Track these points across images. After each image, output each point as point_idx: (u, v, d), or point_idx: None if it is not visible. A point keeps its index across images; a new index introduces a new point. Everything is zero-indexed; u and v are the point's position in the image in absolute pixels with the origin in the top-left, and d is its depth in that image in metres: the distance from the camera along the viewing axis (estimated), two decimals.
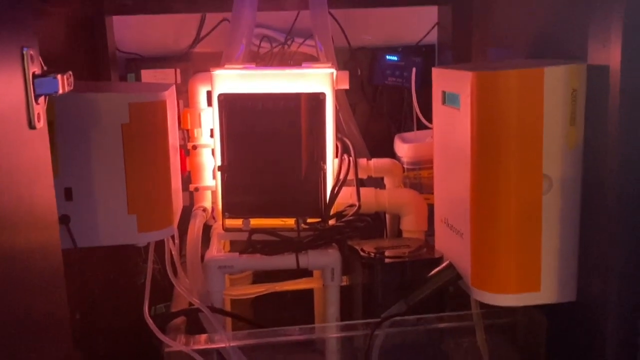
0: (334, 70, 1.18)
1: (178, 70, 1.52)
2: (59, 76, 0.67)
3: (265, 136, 1.17)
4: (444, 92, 1.03)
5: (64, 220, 0.95)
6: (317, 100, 1.15)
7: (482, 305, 1.00)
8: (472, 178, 0.94)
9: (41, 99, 0.66)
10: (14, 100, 0.62)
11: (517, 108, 0.89)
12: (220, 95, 1.16)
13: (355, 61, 1.58)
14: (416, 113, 1.41)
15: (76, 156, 0.95)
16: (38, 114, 0.65)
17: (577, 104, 0.89)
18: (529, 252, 0.92)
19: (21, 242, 0.63)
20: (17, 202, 0.62)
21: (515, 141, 0.90)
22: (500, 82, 0.89)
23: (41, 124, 0.66)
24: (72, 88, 0.73)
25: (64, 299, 0.74)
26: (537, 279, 0.93)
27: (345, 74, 1.21)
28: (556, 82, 0.88)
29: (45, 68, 0.69)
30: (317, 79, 1.15)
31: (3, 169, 0.58)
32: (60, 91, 0.68)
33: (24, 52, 0.62)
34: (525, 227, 0.92)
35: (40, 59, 0.68)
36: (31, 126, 0.64)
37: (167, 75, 1.51)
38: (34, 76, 0.64)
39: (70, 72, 0.73)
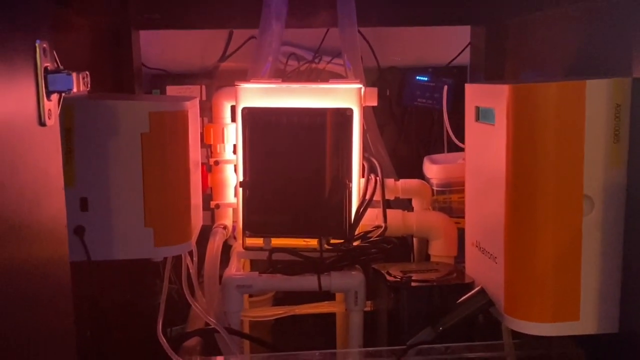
0: (361, 86, 1.14)
1: (204, 87, 1.50)
2: (73, 73, 0.64)
3: (289, 152, 1.13)
4: (477, 108, 0.98)
5: (78, 231, 0.92)
6: (344, 116, 1.11)
7: (515, 335, 0.95)
8: (507, 198, 0.89)
9: (54, 96, 0.63)
10: (23, 94, 0.58)
11: (557, 123, 0.84)
12: (244, 109, 1.12)
13: (385, 81, 1.54)
14: (447, 133, 1.36)
15: (94, 165, 0.92)
16: (49, 110, 0.61)
17: (621, 120, 0.83)
18: (567, 278, 0.86)
19: (27, 249, 0.59)
20: (22, 203, 0.58)
21: (554, 159, 0.84)
22: (539, 96, 0.84)
23: (52, 121, 0.62)
24: (88, 88, 0.70)
25: (70, 313, 0.70)
26: (575, 307, 0.87)
27: (374, 91, 1.18)
28: (599, 97, 0.83)
29: (61, 67, 0.66)
30: (345, 95, 1.12)
31: (8, 167, 0.54)
32: (75, 89, 0.65)
33: (37, 44, 0.59)
34: (564, 251, 0.86)
35: (56, 56, 0.65)
36: (41, 123, 0.60)
37: (193, 91, 1.50)
38: (47, 71, 0.61)
39: (87, 73, 0.70)
